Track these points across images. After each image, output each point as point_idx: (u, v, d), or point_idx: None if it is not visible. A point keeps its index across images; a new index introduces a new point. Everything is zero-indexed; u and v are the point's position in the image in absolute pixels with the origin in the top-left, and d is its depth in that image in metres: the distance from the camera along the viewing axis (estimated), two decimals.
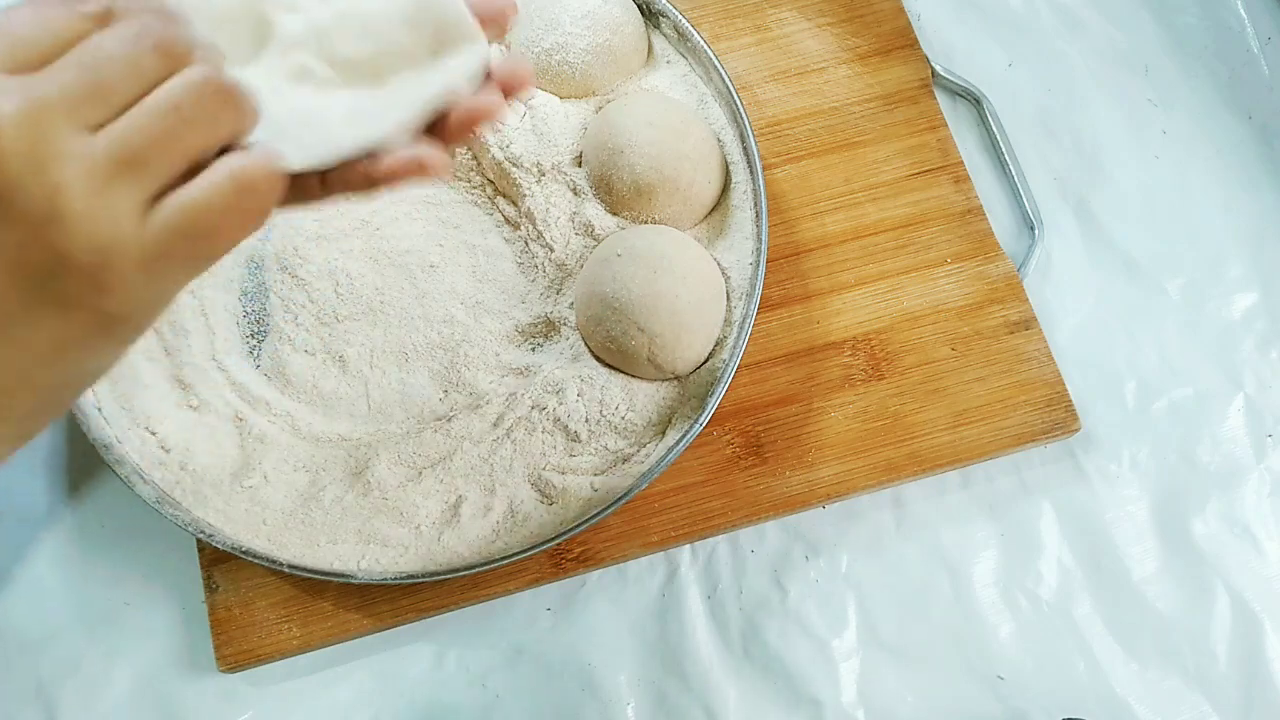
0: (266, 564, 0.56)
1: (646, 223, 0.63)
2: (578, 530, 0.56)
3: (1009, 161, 0.71)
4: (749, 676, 0.61)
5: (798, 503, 0.62)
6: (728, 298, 0.62)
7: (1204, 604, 0.63)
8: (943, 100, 0.72)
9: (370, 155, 0.37)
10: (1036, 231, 0.69)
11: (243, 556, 0.55)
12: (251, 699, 0.60)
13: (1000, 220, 0.70)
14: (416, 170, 0.38)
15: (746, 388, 0.64)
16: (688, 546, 0.63)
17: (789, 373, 0.65)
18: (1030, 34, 0.76)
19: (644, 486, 0.57)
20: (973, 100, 0.73)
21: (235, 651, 0.59)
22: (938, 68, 0.72)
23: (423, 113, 0.39)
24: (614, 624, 0.62)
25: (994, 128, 0.72)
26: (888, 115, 0.71)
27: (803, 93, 0.71)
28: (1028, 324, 0.66)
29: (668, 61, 0.67)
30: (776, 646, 0.61)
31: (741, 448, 0.63)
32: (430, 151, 0.38)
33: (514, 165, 0.64)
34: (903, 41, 0.73)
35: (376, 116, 0.38)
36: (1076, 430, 0.65)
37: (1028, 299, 0.67)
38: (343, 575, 0.56)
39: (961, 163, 0.70)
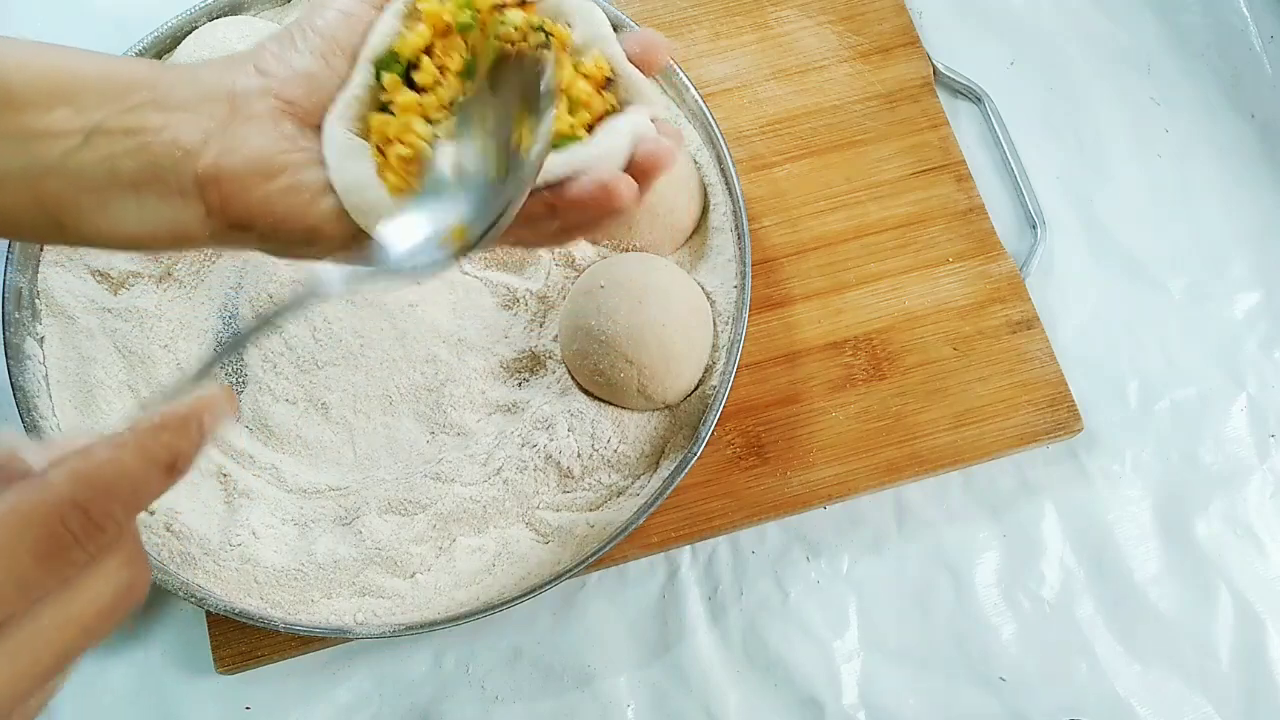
0: (262, 624, 0.55)
1: (627, 250, 0.62)
2: (576, 571, 0.56)
3: (1011, 160, 0.71)
4: (750, 678, 0.61)
5: (799, 503, 0.62)
6: (714, 322, 0.61)
7: (1206, 605, 0.63)
8: (944, 98, 0.72)
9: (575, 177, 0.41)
10: (1039, 230, 0.69)
11: (237, 618, 0.55)
12: (250, 700, 0.60)
13: (1002, 219, 0.70)
14: (605, 198, 0.40)
15: (747, 388, 0.64)
16: (688, 547, 0.63)
17: (790, 373, 0.65)
18: (1032, 32, 0.75)
19: (641, 521, 0.56)
20: (974, 98, 0.73)
21: (233, 653, 0.58)
22: (939, 66, 0.72)
23: (621, 146, 0.42)
24: (614, 625, 0.62)
25: (996, 126, 0.72)
26: (889, 113, 0.70)
27: (803, 91, 0.71)
28: (1030, 324, 0.66)
29: None
30: (777, 648, 0.61)
31: (742, 448, 0.63)
32: (621, 178, 0.40)
33: None
34: (904, 39, 0.72)
35: (583, 150, 0.41)
36: (1079, 430, 0.64)
37: (1030, 298, 0.67)
38: (340, 631, 0.56)
39: (963, 161, 0.70)
